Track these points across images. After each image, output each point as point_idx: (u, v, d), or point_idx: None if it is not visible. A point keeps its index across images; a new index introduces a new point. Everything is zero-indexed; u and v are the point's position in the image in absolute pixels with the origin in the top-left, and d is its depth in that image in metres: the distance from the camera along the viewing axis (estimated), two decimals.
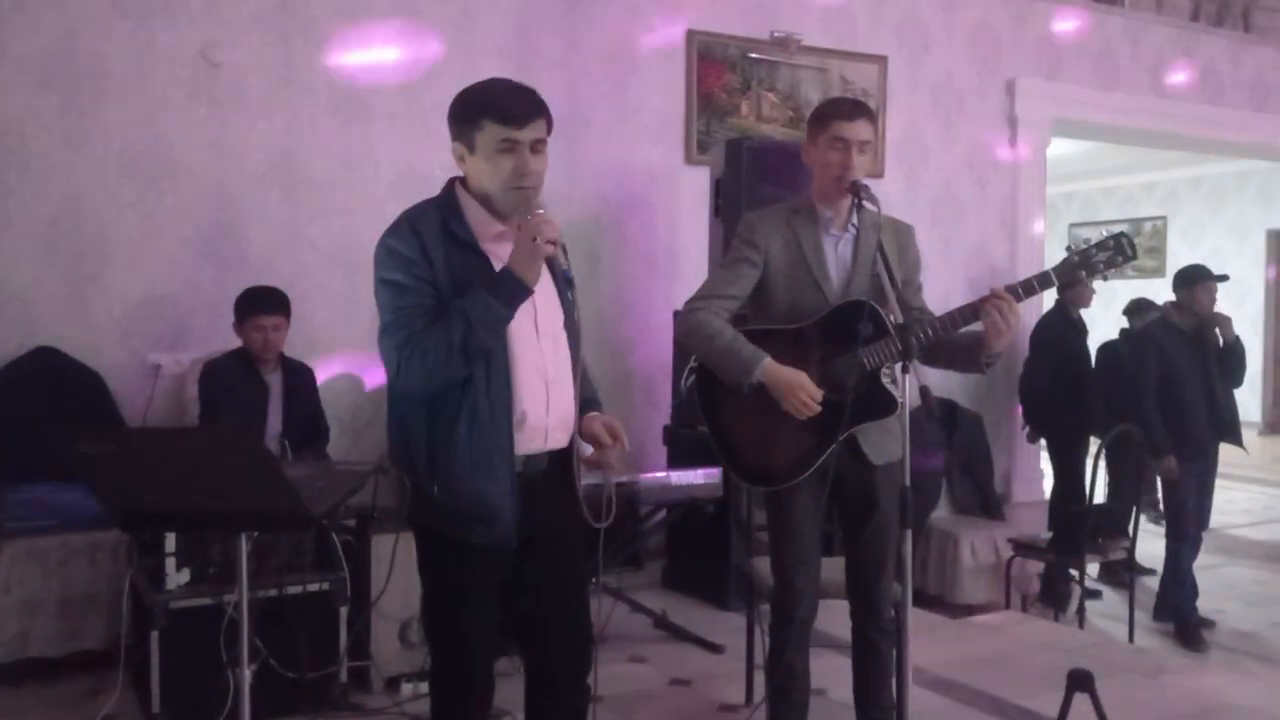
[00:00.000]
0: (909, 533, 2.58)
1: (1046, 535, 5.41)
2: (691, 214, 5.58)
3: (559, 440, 2.36)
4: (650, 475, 4.22)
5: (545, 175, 2.27)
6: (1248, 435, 6.01)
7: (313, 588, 3.46)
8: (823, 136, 2.80)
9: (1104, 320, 9.10)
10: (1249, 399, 10.93)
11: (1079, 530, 5.04)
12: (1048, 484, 6.32)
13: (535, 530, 2.32)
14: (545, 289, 2.32)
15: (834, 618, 3.18)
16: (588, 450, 2.41)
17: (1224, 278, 5.47)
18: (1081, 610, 5.04)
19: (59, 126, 4.38)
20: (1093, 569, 5.82)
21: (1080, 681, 2.76)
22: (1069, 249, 3.02)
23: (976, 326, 2.71)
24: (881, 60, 6.26)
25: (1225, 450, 5.53)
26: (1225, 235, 12.59)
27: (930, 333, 2.72)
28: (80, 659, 3.76)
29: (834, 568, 3.13)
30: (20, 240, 4.33)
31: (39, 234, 4.35)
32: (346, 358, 4.85)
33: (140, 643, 3.37)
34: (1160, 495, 6.10)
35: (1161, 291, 6.70)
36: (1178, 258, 11.87)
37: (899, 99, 6.34)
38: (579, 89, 5.38)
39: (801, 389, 2.71)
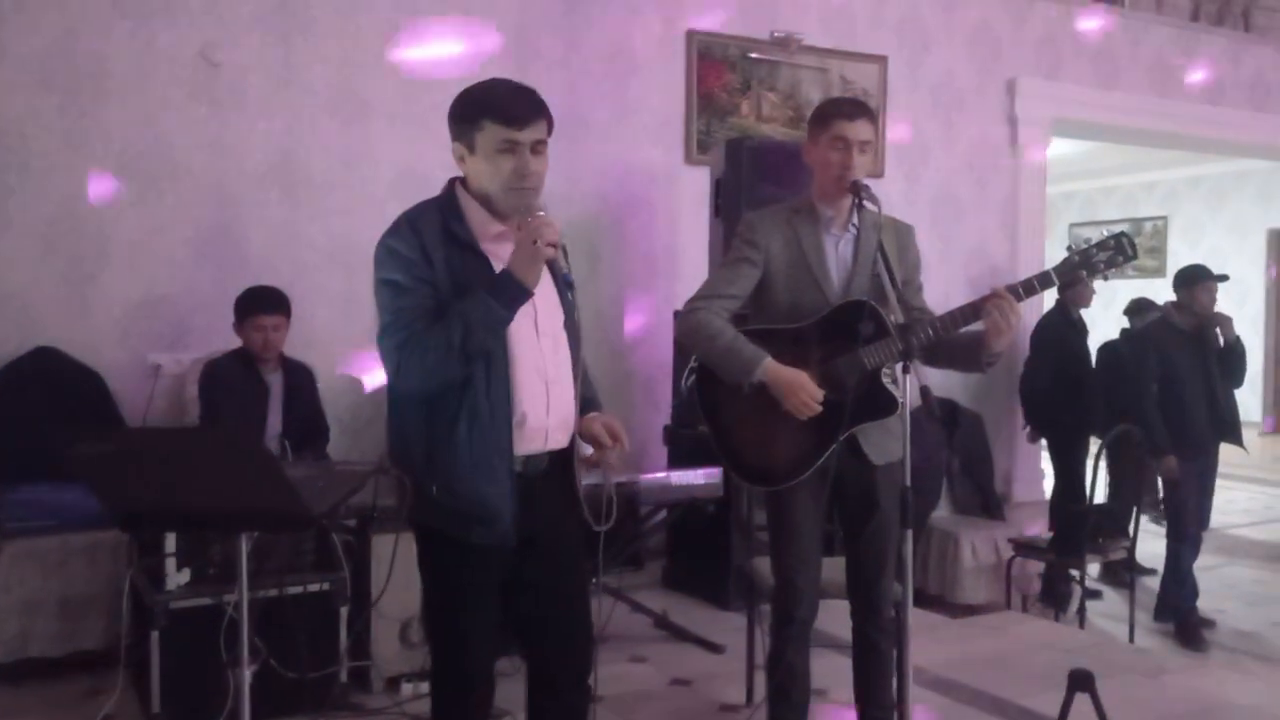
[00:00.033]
0: (909, 533, 2.58)
1: (1047, 535, 5.41)
2: (691, 214, 5.58)
3: (559, 441, 2.35)
4: (650, 475, 4.21)
5: (545, 176, 2.27)
6: (1248, 435, 6.01)
7: (313, 588, 3.46)
8: (823, 136, 2.80)
9: (1104, 320, 9.10)
10: (1249, 399, 10.93)
11: (1079, 530, 5.03)
12: (1048, 484, 6.32)
13: (535, 530, 2.31)
14: (545, 289, 2.32)
15: (834, 618, 3.18)
16: (588, 450, 2.41)
17: (1224, 277, 5.47)
18: (1082, 610, 5.04)
19: (59, 126, 4.38)
20: (1093, 569, 5.83)
21: (1081, 681, 2.76)
22: (1069, 249, 3.01)
23: (977, 326, 2.71)
24: (881, 60, 6.26)
25: (1225, 450, 5.53)
26: (1225, 235, 12.59)
27: (931, 332, 2.72)
28: (80, 659, 3.76)
29: (834, 568, 3.12)
30: (20, 240, 4.33)
31: (39, 234, 4.36)
32: (346, 358, 4.85)
33: (140, 643, 3.37)
34: (1161, 495, 6.09)
35: (1162, 291, 6.69)
36: (1178, 257, 11.87)
37: (899, 99, 6.34)
38: (579, 89, 5.38)
39: (802, 389, 2.71)
